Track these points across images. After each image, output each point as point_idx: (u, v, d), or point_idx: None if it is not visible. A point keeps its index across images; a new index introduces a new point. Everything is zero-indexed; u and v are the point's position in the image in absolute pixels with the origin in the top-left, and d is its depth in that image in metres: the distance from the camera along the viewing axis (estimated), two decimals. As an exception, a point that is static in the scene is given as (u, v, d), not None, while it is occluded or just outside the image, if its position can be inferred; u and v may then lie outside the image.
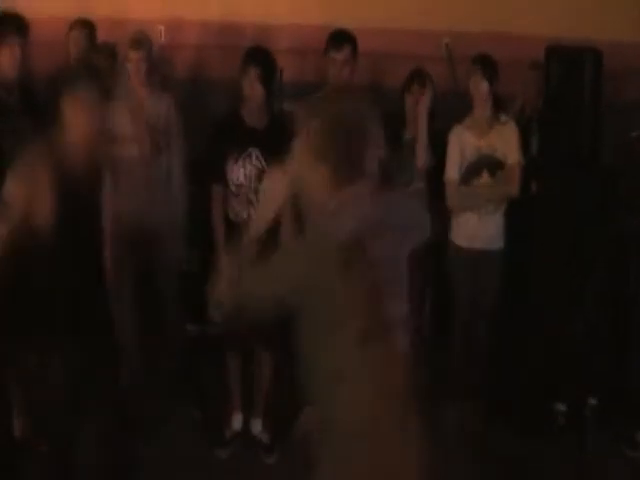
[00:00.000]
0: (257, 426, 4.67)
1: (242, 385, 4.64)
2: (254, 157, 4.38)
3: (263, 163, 4.37)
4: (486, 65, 4.64)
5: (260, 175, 4.30)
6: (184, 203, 4.83)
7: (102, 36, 5.23)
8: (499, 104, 4.78)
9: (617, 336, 4.87)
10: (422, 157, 4.69)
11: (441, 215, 4.79)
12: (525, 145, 4.79)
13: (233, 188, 4.41)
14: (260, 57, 4.41)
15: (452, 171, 4.73)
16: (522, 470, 4.49)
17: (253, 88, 4.34)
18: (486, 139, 4.71)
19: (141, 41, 4.74)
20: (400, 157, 4.72)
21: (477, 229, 4.71)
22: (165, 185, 4.75)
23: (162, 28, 5.71)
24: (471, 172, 4.72)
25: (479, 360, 4.81)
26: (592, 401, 4.84)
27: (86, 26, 5.18)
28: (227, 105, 4.74)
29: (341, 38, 4.56)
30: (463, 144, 4.72)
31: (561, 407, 4.85)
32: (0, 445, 3.90)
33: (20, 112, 4.06)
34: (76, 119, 3.35)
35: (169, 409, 4.79)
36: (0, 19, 4.18)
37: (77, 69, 3.56)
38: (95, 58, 4.69)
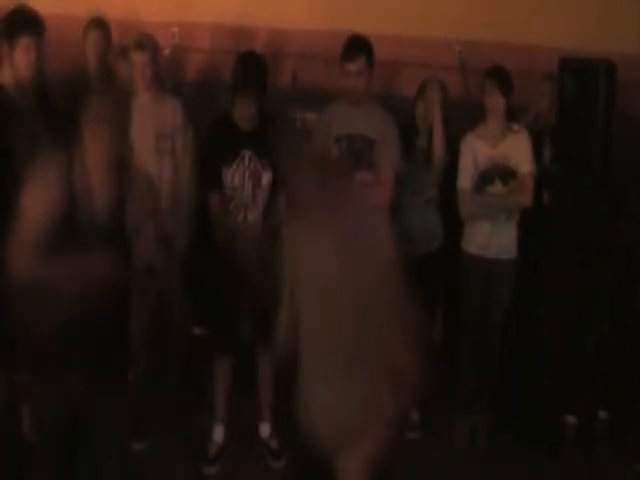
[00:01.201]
0: (265, 430, 4.66)
1: (227, 397, 4.58)
2: (247, 159, 4.37)
3: (257, 164, 4.36)
4: (501, 79, 4.62)
5: (254, 177, 4.32)
6: (192, 205, 4.73)
7: (114, 38, 5.15)
8: (512, 114, 4.76)
9: (627, 349, 4.86)
10: (439, 156, 4.70)
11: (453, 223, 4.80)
12: (537, 156, 4.79)
13: (229, 192, 4.39)
14: (256, 66, 4.36)
15: (464, 180, 4.72)
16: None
17: (249, 99, 4.29)
18: (499, 148, 4.70)
19: (145, 44, 4.55)
20: (412, 165, 4.71)
21: (490, 238, 4.70)
22: (172, 188, 4.64)
23: (176, 29, 5.69)
24: (484, 180, 4.71)
25: (489, 370, 4.81)
26: (602, 415, 4.86)
27: (102, 26, 5.09)
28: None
29: (355, 49, 4.43)
30: (475, 153, 4.71)
31: (571, 420, 4.88)
32: (11, 448, 3.88)
33: (35, 115, 3.90)
34: (98, 147, 3.17)
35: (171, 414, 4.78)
36: (13, 16, 3.96)
37: (98, 96, 3.33)
38: (113, 63, 4.62)
